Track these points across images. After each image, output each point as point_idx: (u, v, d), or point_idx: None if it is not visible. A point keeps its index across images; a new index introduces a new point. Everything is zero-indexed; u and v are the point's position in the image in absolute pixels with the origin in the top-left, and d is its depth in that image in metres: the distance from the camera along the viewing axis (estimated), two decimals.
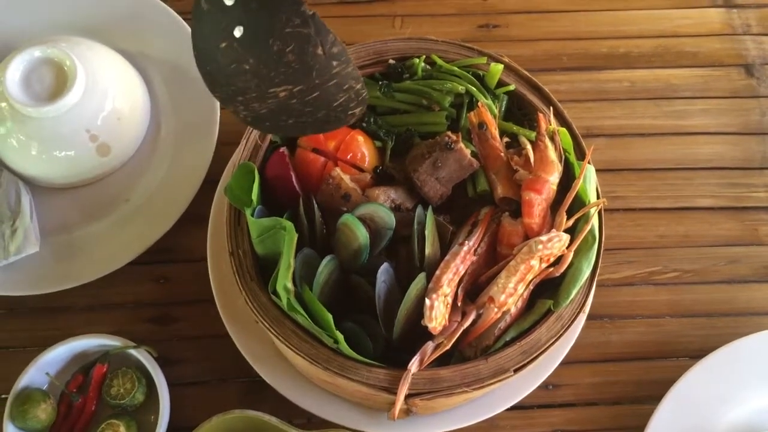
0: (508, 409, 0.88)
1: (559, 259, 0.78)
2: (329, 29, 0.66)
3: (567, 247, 0.77)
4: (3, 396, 0.89)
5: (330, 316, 0.73)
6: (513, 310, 0.78)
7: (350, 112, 0.73)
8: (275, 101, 0.70)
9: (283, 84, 0.69)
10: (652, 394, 0.92)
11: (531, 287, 0.79)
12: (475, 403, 0.87)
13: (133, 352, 0.90)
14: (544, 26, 1.18)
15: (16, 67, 0.95)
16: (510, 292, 0.76)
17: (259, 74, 0.68)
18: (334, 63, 0.68)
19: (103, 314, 0.98)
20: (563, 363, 0.89)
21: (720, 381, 0.91)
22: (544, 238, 0.75)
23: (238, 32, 0.66)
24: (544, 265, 0.77)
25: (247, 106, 0.71)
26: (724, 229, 1.05)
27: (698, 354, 0.93)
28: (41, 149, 0.97)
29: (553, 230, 0.77)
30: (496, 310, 0.76)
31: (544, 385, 0.92)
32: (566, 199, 0.78)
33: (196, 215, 0.99)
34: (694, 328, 0.99)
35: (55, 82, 0.96)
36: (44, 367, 0.89)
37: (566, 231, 0.77)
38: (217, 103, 1.01)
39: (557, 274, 0.78)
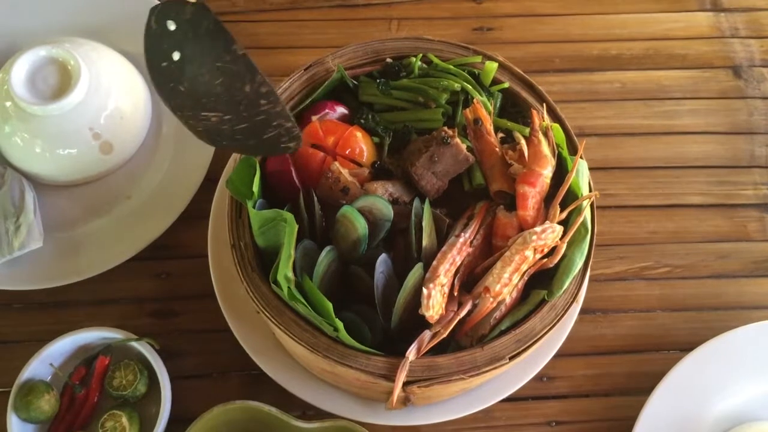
0: (503, 400, 0.89)
1: (552, 251, 0.79)
2: (259, 71, 0.71)
3: (560, 239, 0.78)
4: (6, 389, 0.90)
5: (330, 305, 0.74)
6: (508, 300, 0.79)
7: (283, 146, 0.77)
8: (208, 123, 0.75)
9: (213, 111, 0.74)
10: (644, 386, 0.93)
11: (525, 278, 0.80)
12: (471, 394, 0.89)
13: (135, 344, 0.92)
14: (537, 29, 1.20)
15: (22, 67, 0.97)
16: (505, 282, 0.77)
17: (192, 97, 0.73)
18: (262, 101, 0.73)
19: (105, 309, 0.99)
20: (557, 355, 0.90)
21: (709, 372, 0.93)
22: (538, 229, 0.77)
23: (176, 56, 0.71)
24: (538, 256, 0.78)
25: (186, 121, 0.76)
26: (713, 225, 1.07)
27: (688, 347, 0.94)
28: (45, 147, 0.99)
29: (547, 222, 0.78)
30: (491, 299, 0.78)
31: (539, 377, 0.93)
32: (559, 192, 0.80)
33: (196, 213, 1.00)
34: (684, 322, 1.01)
35: (59, 81, 0.98)
36: (48, 359, 0.91)
37: (559, 223, 0.79)
38: None
39: (551, 265, 0.80)
